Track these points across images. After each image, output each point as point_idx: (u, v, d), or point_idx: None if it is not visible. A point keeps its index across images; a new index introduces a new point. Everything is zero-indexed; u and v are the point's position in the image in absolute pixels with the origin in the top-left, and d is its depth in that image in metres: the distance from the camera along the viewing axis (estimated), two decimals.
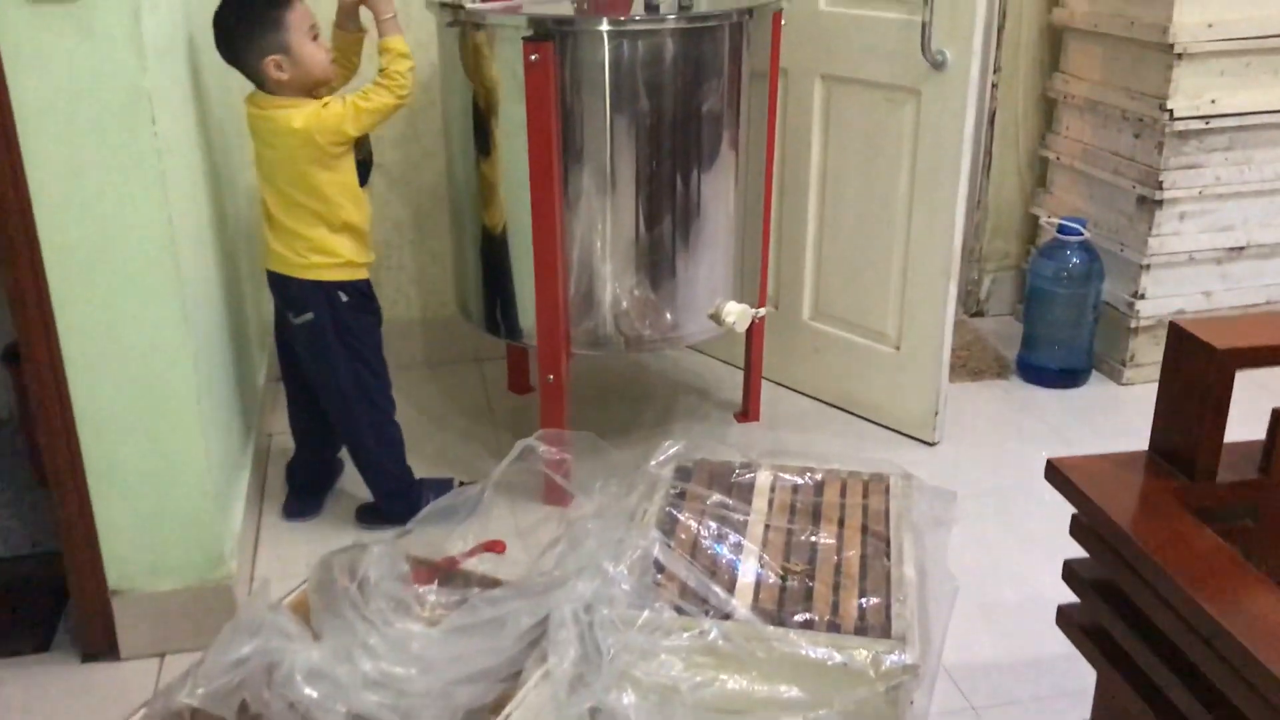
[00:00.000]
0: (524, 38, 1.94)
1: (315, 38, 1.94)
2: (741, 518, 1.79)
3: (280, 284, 2.04)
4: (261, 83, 1.93)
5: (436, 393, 2.73)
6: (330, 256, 2.00)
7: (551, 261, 2.07)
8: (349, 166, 1.98)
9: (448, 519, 1.77)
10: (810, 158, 2.54)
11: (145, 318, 1.66)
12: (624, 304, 2.14)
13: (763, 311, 2.31)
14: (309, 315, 2.03)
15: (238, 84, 2.03)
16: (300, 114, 1.90)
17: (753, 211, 2.29)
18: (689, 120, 2.06)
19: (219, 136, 2.17)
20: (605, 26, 1.96)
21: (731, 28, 2.06)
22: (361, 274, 2.07)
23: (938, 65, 2.23)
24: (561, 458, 1.85)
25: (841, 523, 1.81)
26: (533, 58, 1.93)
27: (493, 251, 2.21)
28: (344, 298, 2.03)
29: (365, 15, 2.00)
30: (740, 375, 2.61)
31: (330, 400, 2.10)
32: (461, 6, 2.01)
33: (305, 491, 2.24)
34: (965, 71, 2.21)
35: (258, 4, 1.90)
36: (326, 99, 1.93)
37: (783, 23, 2.28)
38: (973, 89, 2.23)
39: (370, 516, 2.16)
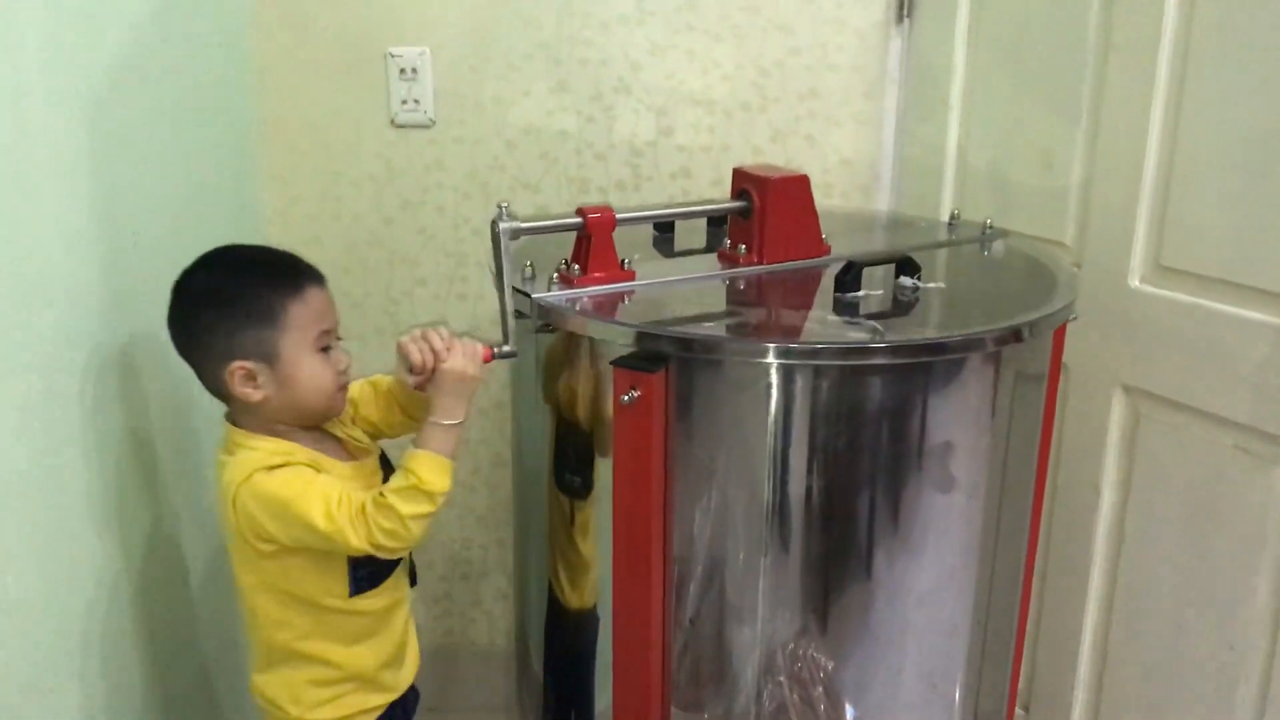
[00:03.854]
0: (615, 363, 1.13)
1: (326, 349, 1.19)
2: None
3: None
4: (225, 400, 1.21)
5: None
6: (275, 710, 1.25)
7: (641, 688, 1.23)
8: (314, 566, 1.20)
9: None
10: (1098, 508, 1.60)
11: None
12: None
13: None
14: None
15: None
16: (241, 462, 1.16)
17: (1003, 593, 1.37)
18: (897, 483, 1.20)
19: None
20: (771, 357, 1.12)
21: (984, 356, 1.19)
22: None
23: None
24: None
25: None
26: (627, 397, 1.12)
27: (561, 641, 1.40)
28: None
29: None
30: None
31: None
32: (528, 295, 1.22)
33: None
34: None
35: (243, 275, 1.19)
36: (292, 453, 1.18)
37: (1073, 317, 1.38)
38: None
39: None
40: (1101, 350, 1.55)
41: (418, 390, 1.20)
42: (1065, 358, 1.48)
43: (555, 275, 1.24)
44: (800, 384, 1.13)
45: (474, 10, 1.78)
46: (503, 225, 1.20)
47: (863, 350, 1.11)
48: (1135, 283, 1.51)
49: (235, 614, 1.57)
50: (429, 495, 1.12)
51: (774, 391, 1.14)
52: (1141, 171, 1.48)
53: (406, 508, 1.11)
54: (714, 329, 1.16)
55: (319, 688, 1.24)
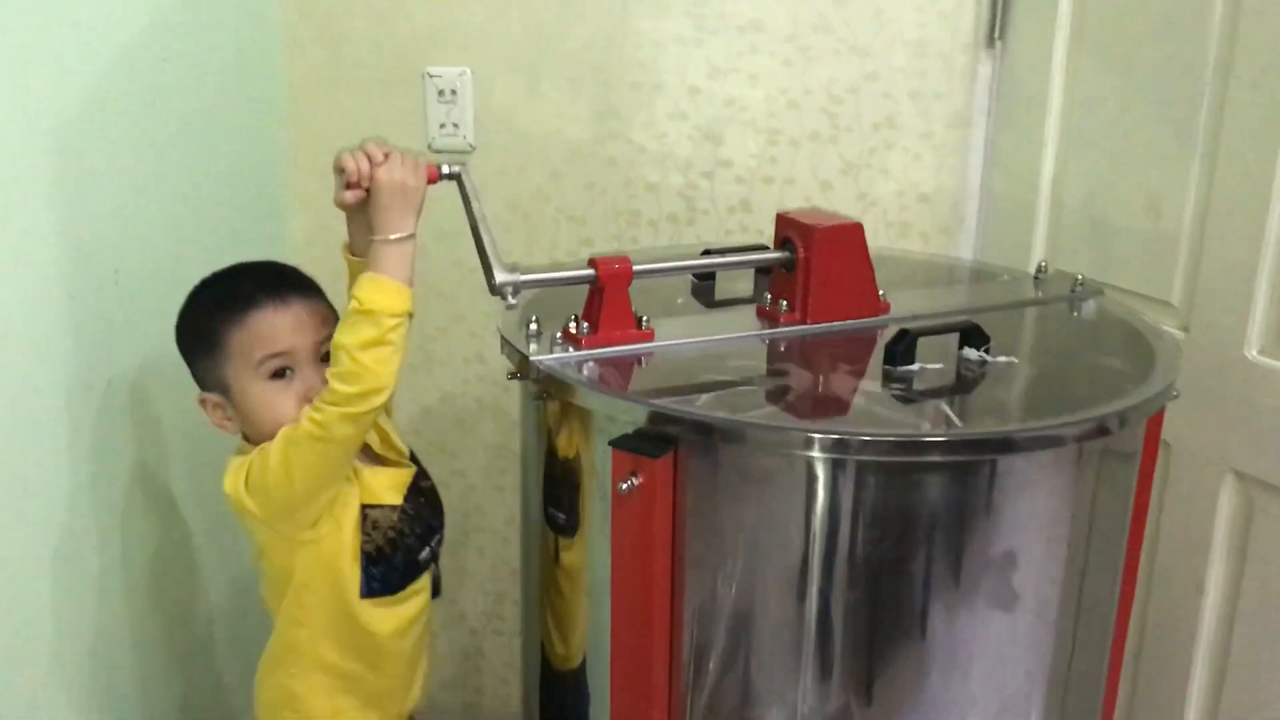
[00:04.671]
0: (614, 443, 0.97)
1: (279, 374, 1.10)
2: None
3: None
4: None
5: None
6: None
7: None
8: (328, 558, 1.12)
9: None
10: (1200, 611, 1.38)
11: None
12: None
13: None
14: None
15: None
16: (231, 469, 1.11)
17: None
18: (948, 602, 1.01)
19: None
20: (794, 448, 0.95)
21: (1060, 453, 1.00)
22: None
23: None
24: None
25: None
26: (625, 484, 0.96)
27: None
28: None
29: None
30: None
31: None
32: (525, 357, 1.07)
33: None
34: None
35: (196, 307, 1.14)
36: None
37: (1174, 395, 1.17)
38: None
39: None
40: (1210, 429, 1.34)
41: (357, 217, 1.11)
42: (1167, 435, 1.27)
43: (559, 334, 1.09)
44: (828, 479, 0.96)
45: (518, 29, 1.64)
46: (499, 278, 1.06)
47: (906, 445, 0.93)
48: (1253, 354, 1.29)
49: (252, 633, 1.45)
50: (369, 315, 1.02)
51: (798, 486, 0.97)
52: (1265, 222, 1.26)
53: (349, 337, 1.02)
54: (728, 409, 0.98)
55: (319, 697, 1.17)
